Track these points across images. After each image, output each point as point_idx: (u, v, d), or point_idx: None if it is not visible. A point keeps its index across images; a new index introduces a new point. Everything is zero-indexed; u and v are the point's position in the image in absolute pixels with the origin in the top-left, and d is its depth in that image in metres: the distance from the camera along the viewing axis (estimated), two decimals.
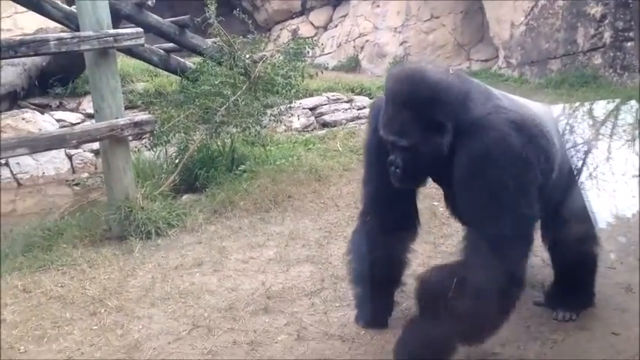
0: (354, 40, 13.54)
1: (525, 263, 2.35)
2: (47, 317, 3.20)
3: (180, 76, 6.81)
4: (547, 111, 2.85)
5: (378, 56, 12.89)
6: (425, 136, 2.27)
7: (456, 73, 2.42)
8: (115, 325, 3.10)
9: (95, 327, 3.09)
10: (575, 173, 2.85)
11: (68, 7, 5.73)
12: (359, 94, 8.65)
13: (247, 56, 5.52)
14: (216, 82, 5.29)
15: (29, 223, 4.65)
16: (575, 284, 2.90)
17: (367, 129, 2.78)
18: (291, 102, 5.80)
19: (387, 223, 2.72)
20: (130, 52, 6.64)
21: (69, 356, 2.83)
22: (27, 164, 6.78)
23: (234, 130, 5.43)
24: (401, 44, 12.63)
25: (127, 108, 5.46)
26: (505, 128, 2.23)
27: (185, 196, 5.16)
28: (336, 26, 14.33)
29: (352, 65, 13.15)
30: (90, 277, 3.69)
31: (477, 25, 12.30)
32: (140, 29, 4.38)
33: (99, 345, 2.92)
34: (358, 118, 7.84)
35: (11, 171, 6.72)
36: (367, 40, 13.23)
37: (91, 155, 7.14)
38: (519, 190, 2.23)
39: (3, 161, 6.62)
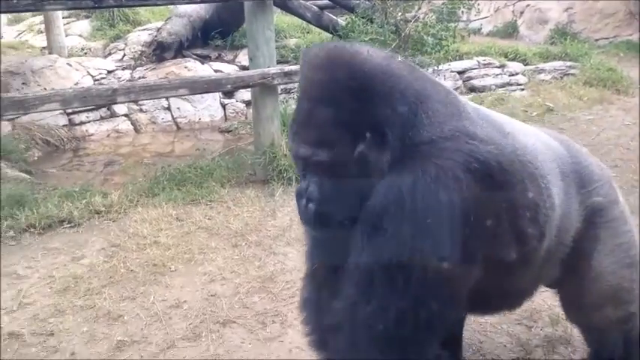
0: (513, 4, 12.85)
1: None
2: (195, 244, 3.51)
3: (331, 33, 6.94)
4: (556, 145, 1.98)
5: (538, 22, 12.15)
6: (355, 147, 1.49)
7: (409, 65, 1.67)
8: (254, 258, 3.34)
9: (236, 257, 3.35)
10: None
11: None
12: (512, 60, 8.26)
13: (399, 14, 5.49)
14: (365, 39, 5.33)
15: (185, 162, 5.07)
16: None
17: None
18: (439, 63, 5.70)
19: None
20: (285, 7, 6.88)
21: (212, 279, 3.12)
22: (186, 110, 7.31)
23: None
24: (565, 10, 11.78)
25: (279, 62, 5.69)
26: (452, 168, 1.45)
27: None
28: None
29: (509, 31, 12.52)
30: (234, 213, 3.97)
31: None
32: None
33: (238, 272, 3.17)
34: (509, 84, 7.52)
35: (172, 115, 7.28)
36: (528, 5, 12.50)
37: (242, 105, 7.54)
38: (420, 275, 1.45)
39: (165, 105, 7.19)
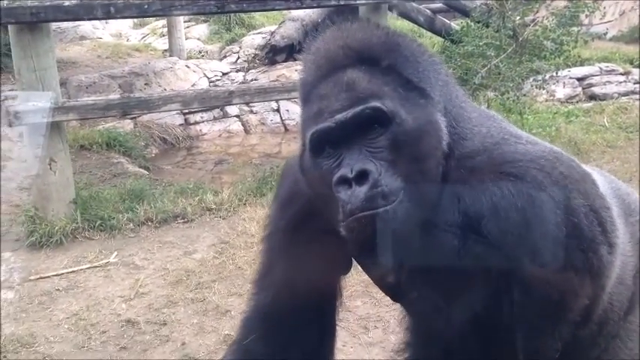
0: None
1: None
2: None
3: (443, 37, 6.80)
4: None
5: None
6: (405, 96, 1.27)
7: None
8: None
9: None
10: None
11: None
12: (638, 66, 7.73)
13: (518, 18, 5.28)
14: (480, 44, 5.17)
15: None
16: None
17: (273, 206, 1.62)
18: (557, 69, 5.43)
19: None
20: (398, 11, 6.82)
21: None
22: (294, 112, 7.41)
23: (492, 93, 5.28)
24: None
25: None
26: (549, 175, 1.21)
27: None
28: None
29: (635, 36, 11.69)
30: None
31: None
32: None
33: None
34: (634, 92, 7.03)
35: (281, 117, 7.44)
36: None
37: None
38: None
39: (275, 107, 7.37)
